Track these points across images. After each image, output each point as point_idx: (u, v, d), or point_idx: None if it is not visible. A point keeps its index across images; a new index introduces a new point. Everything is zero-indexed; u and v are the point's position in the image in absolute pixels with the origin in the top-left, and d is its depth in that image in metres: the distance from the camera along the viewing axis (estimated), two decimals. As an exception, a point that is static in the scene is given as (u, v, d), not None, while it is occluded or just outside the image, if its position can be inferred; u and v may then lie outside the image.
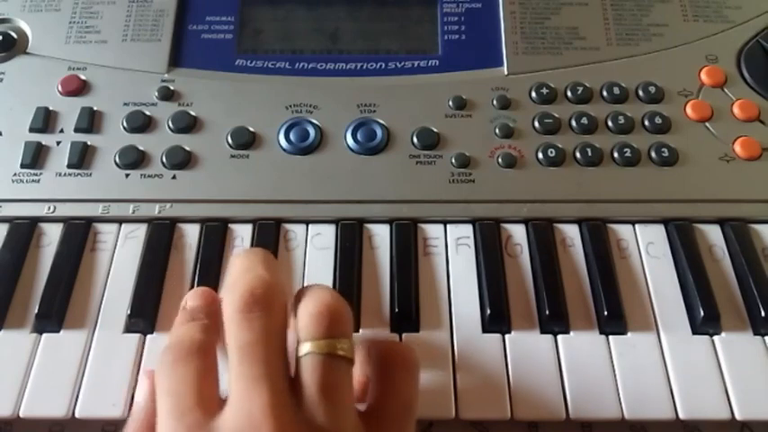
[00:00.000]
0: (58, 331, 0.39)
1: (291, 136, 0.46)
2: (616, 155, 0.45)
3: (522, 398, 0.36)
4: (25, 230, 0.42)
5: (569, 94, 0.48)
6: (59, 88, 0.48)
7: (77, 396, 0.36)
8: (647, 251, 0.42)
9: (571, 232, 0.43)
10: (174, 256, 0.42)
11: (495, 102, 0.47)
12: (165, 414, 0.29)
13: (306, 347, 0.30)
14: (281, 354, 0.30)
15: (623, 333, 0.39)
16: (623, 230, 0.43)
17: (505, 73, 0.49)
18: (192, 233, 0.43)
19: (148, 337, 0.38)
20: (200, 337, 0.31)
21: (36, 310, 0.39)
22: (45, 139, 0.46)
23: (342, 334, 0.31)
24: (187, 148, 0.45)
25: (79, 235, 0.42)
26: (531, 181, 0.44)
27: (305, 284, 0.40)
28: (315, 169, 0.45)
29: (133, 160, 0.45)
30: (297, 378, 0.30)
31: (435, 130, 0.46)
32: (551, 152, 0.45)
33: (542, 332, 0.39)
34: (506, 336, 0.38)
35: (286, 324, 0.31)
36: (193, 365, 0.30)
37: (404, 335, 0.38)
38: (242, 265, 0.32)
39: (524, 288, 0.41)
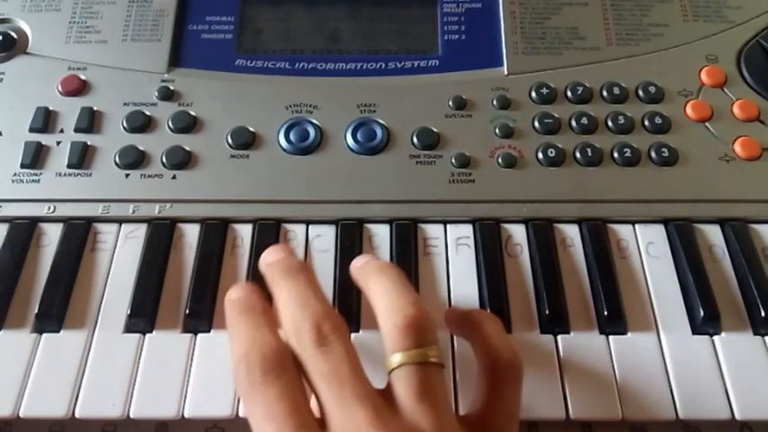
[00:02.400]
0: (58, 331, 0.39)
1: (291, 136, 0.46)
2: (616, 155, 0.45)
3: (523, 397, 0.36)
4: (25, 230, 0.42)
5: (569, 94, 0.48)
6: (59, 88, 0.48)
7: (77, 396, 0.36)
8: (647, 251, 0.42)
9: (571, 232, 0.43)
10: (173, 256, 0.42)
11: (495, 102, 0.47)
12: None
13: (397, 359, 0.30)
14: (361, 370, 0.30)
15: (623, 333, 0.39)
16: (623, 230, 0.43)
17: (505, 73, 0.49)
18: (191, 233, 0.43)
19: (148, 336, 0.38)
20: (276, 342, 0.31)
21: (36, 310, 0.39)
22: (45, 139, 0.46)
23: (430, 341, 0.31)
24: (187, 148, 0.45)
25: (79, 235, 0.42)
26: (531, 181, 0.44)
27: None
28: (315, 169, 0.45)
29: (133, 160, 0.45)
30: (391, 391, 0.30)
31: (435, 130, 0.46)
32: (551, 152, 0.45)
33: (542, 332, 0.39)
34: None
35: (350, 338, 0.32)
36: (285, 379, 0.30)
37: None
38: (295, 302, 0.32)
39: (524, 288, 0.41)
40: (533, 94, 0.48)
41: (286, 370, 0.30)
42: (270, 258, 0.36)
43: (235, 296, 0.34)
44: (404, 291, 0.33)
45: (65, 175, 0.44)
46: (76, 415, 0.36)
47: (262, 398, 0.29)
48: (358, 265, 0.36)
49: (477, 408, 0.33)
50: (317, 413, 0.30)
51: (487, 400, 0.32)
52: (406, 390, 0.30)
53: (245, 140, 0.45)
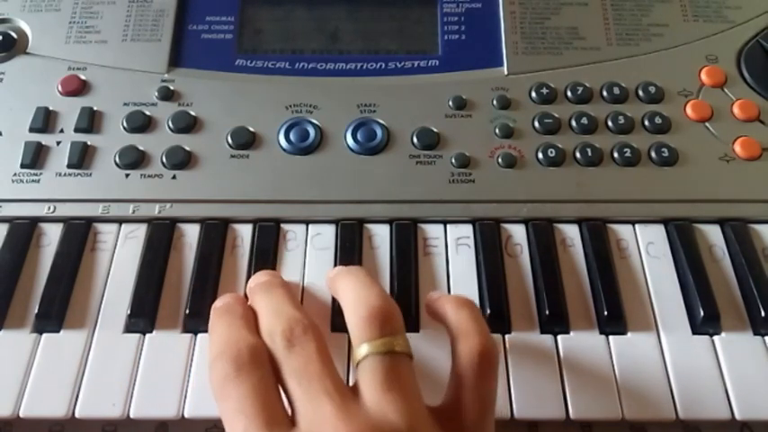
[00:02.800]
0: (58, 331, 0.39)
1: (291, 136, 0.46)
2: (616, 155, 0.45)
3: (522, 397, 0.36)
4: (25, 230, 0.42)
5: (569, 94, 0.48)
6: (59, 88, 0.48)
7: (77, 396, 0.36)
8: (647, 251, 0.42)
9: (571, 232, 0.43)
10: (173, 256, 0.42)
11: (495, 102, 0.47)
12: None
13: (363, 350, 0.31)
14: (331, 367, 0.31)
15: (623, 333, 0.39)
16: (623, 230, 0.43)
17: (505, 73, 0.49)
18: (191, 233, 0.43)
19: (148, 336, 0.38)
20: (253, 338, 0.32)
21: (36, 310, 0.39)
22: (45, 139, 0.46)
23: (396, 331, 0.31)
24: (187, 148, 0.45)
25: (79, 235, 0.42)
26: (531, 181, 0.44)
27: (305, 283, 0.40)
28: (315, 169, 0.45)
29: (133, 160, 0.45)
30: (358, 382, 0.30)
31: (435, 130, 0.46)
32: (551, 152, 0.45)
33: (542, 332, 0.39)
34: (506, 336, 0.38)
35: (326, 341, 0.32)
36: (259, 374, 0.30)
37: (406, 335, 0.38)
38: (271, 309, 0.34)
39: (524, 288, 0.41)
40: (533, 94, 0.48)
41: (260, 366, 0.31)
42: (253, 282, 0.38)
43: (218, 304, 0.36)
44: (368, 285, 0.34)
45: (65, 175, 0.44)
46: (76, 415, 0.36)
47: (235, 392, 0.30)
48: (330, 276, 0.38)
49: (450, 396, 0.32)
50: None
51: (459, 388, 0.32)
52: (371, 380, 0.30)
53: (245, 140, 0.45)
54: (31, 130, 0.46)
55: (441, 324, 0.36)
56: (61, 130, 0.46)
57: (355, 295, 0.33)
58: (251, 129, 0.46)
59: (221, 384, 0.30)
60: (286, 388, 0.31)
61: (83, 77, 0.48)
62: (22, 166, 0.44)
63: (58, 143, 0.45)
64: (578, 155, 0.45)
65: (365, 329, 0.31)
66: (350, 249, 0.41)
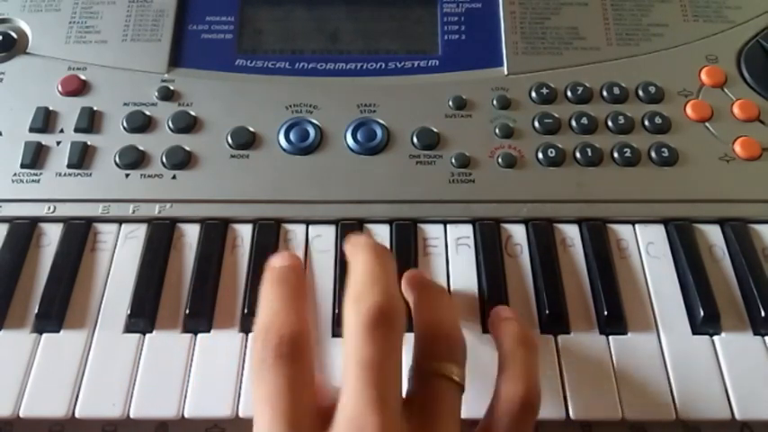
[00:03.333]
0: (58, 331, 0.39)
1: (291, 136, 0.46)
2: (616, 155, 0.45)
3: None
4: (25, 230, 0.42)
5: (569, 94, 0.48)
6: (59, 88, 0.48)
7: (77, 396, 0.36)
8: (647, 251, 0.42)
9: (571, 232, 0.43)
10: (173, 256, 0.42)
11: (495, 102, 0.47)
12: (266, 426, 0.28)
13: (426, 365, 0.31)
14: (398, 374, 0.30)
15: (623, 333, 0.39)
16: (623, 230, 0.43)
17: (505, 73, 0.49)
18: (191, 233, 0.43)
19: (148, 336, 0.38)
20: (297, 323, 0.31)
21: (36, 310, 0.39)
22: (45, 139, 0.46)
23: (457, 360, 0.32)
24: (187, 148, 0.45)
25: (79, 235, 0.42)
26: (531, 181, 0.44)
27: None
28: (315, 169, 0.45)
29: (133, 160, 0.45)
30: (409, 395, 0.30)
31: (435, 130, 0.46)
32: (551, 152, 0.45)
33: (542, 332, 0.39)
34: (506, 336, 0.38)
35: (402, 343, 0.31)
36: (297, 367, 0.29)
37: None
38: (367, 270, 0.32)
39: (524, 288, 0.41)
40: (533, 94, 0.48)
41: (299, 358, 0.30)
42: (361, 238, 0.36)
43: (276, 264, 0.35)
44: (451, 311, 0.34)
45: (65, 175, 0.44)
46: (76, 415, 0.36)
47: (268, 381, 0.29)
48: (411, 280, 0.37)
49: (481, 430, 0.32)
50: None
51: (493, 428, 0.32)
52: (423, 401, 0.30)
53: (245, 140, 0.45)
54: (31, 130, 0.46)
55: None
56: (61, 130, 0.46)
57: (437, 316, 0.33)
58: (251, 129, 0.46)
59: (257, 367, 0.30)
60: (346, 371, 0.29)
61: (83, 77, 0.48)
62: (22, 166, 0.44)
63: (58, 143, 0.45)
64: (578, 155, 0.45)
65: (435, 349, 0.32)
66: (350, 249, 0.42)
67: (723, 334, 0.39)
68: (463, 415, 0.33)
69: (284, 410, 0.28)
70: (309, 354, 0.31)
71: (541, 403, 0.36)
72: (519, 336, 0.35)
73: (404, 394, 0.31)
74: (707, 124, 0.47)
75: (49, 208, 0.43)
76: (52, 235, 0.42)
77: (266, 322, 0.31)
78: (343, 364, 0.30)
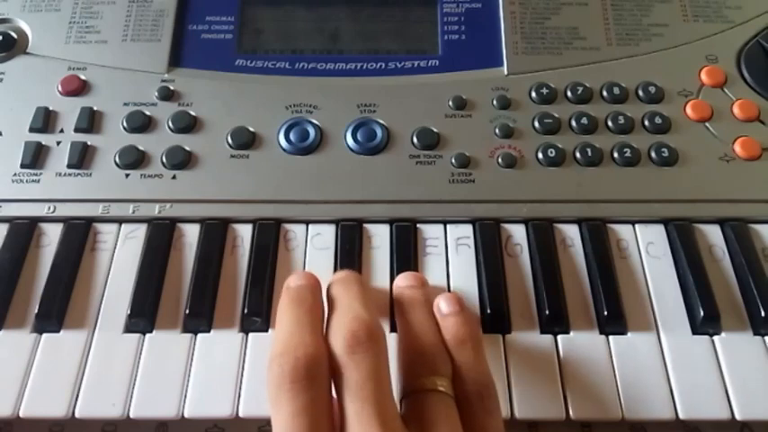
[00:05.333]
0: (58, 331, 0.39)
1: (291, 136, 0.46)
2: (616, 155, 0.45)
3: (522, 397, 0.36)
4: (25, 230, 0.42)
5: (569, 94, 0.48)
6: (59, 88, 0.48)
7: (77, 396, 0.36)
8: (647, 251, 0.42)
9: (571, 232, 0.43)
10: (173, 256, 0.42)
11: (495, 102, 0.47)
12: None
13: (411, 387, 0.32)
14: (387, 386, 0.31)
15: (623, 333, 0.39)
16: (623, 230, 0.43)
17: (505, 73, 0.49)
18: (191, 233, 0.43)
19: (148, 336, 0.38)
20: (313, 345, 0.31)
21: (36, 310, 0.39)
22: (45, 139, 0.46)
23: (439, 372, 0.32)
24: (187, 148, 0.45)
25: (79, 235, 0.42)
26: (531, 181, 0.44)
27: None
28: (315, 169, 0.45)
29: (133, 160, 0.45)
30: (406, 416, 0.31)
31: (435, 130, 0.46)
32: (551, 152, 0.45)
33: (542, 332, 0.39)
34: (506, 336, 0.38)
35: (387, 350, 0.32)
36: (312, 394, 0.30)
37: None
38: (342, 306, 0.34)
39: (524, 288, 0.41)
40: (533, 94, 0.48)
41: (315, 382, 0.30)
42: (334, 277, 0.37)
43: (293, 284, 0.35)
44: (428, 325, 0.35)
45: (65, 175, 0.44)
46: (76, 415, 0.36)
47: (286, 406, 0.29)
48: (398, 298, 0.37)
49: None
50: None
51: (474, 427, 0.32)
52: (421, 416, 0.31)
53: (245, 140, 0.45)
54: (31, 130, 0.46)
55: None
56: (61, 130, 0.46)
57: (412, 331, 0.34)
58: (251, 129, 0.46)
59: (275, 392, 0.30)
60: (340, 399, 0.31)
61: (83, 77, 0.48)
62: (22, 166, 0.44)
63: (58, 143, 0.45)
64: (578, 155, 0.45)
65: (416, 366, 0.32)
66: (350, 250, 0.42)
67: (723, 334, 0.39)
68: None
69: None
70: (326, 376, 0.31)
71: (541, 403, 0.36)
72: (456, 334, 0.35)
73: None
74: (707, 124, 0.47)
75: (49, 208, 0.43)
76: (52, 235, 0.42)
77: (281, 347, 0.31)
78: (336, 390, 0.31)
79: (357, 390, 0.30)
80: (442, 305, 0.36)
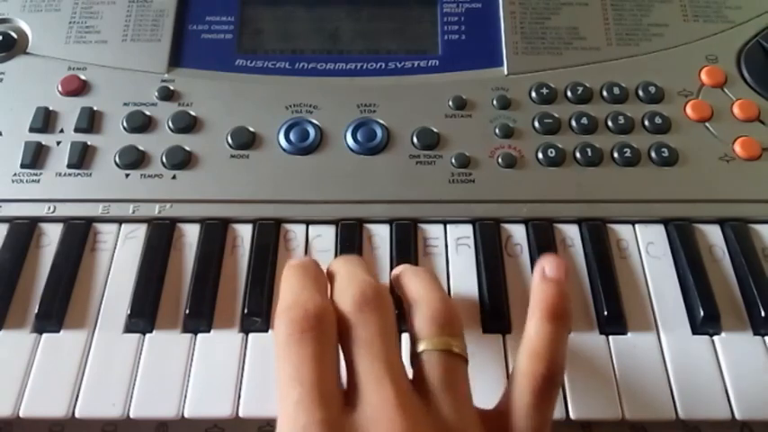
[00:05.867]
0: (58, 331, 0.39)
1: (291, 136, 0.46)
2: (616, 155, 0.45)
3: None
4: (25, 230, 0.42)
5: (569, 94, 0.48)
6: (59, 88, 0.48)
7: (77, 396, 0.36)
8: (647, 251, 0.42)
9: (571, 232, 0.43)
10: (173, 256, 0.42)
11: (495, 102, 0.47)
12: (293, 405, 0.28)
13: (422, 345, 0.31)
14: (396, 345, 0.31)
15: (623, 333, 0.39)
16: (623, 230, 0.43)
17: (505, 73, 0.49)
18: (191, 233, 0.43)
19: (148, 336, 0.38)
20: (322, 301, 0.31)
21: (36, 310, 0.39)
22: (45, 139, 0.46)
23: (456, 333, 0.32)
24: (187, 148, 0.45)
25: (79, 235, 0.42)
26: (531, 181, 0.44)
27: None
28: (315, 169, 0.45)
29: (133, 160, 0.45)
30: (416, 375, 0.31)
31: (435, 130, 0.46)
32: (551, 152, 0.45)
33: (542, 332, 0.39)
34: (506, 336, 0.38)
35: (393, 313, 0.32)
36: (322, 342, 0.30)
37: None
38: (342, 271, 0.34)
39: (524, 288, 0.40)
40: (533, 94, 0.48)
41: (325, 332, 0.30)
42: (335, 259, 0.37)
43: (294, 262, 0.35)
44: (434, 288, 0.34)
45: (65, 175, 0.44)
46: (76, 415, 0.36)
47: (295, 356, 0.29)
48: (396, 273, 0.37)
49: (503, 407, 0.32)
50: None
51: (515, 404, 0.31)
52: (431, 375, 0.30)
53: (245, 140, 0.45)
54: (31, 130, 0.46)
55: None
56: (61, 130, 0.46)
57: (421, 295, 0.33)
58: (251, 129, 0.46)
59: (283, 344, 0.30)
60: (348, 356, 0.30)
61: (83, 77, 0.48)
62: (22, 166, 0.44)
63: (58, 143, 0.45)
64: (578, 155, 0.45)
65: (428, 326, 0.32)
66: (350, 250, 0.41)
67: (723, 334, 0.39)
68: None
69: (314, 383, 0.28)
70: (334, 333, 0.31)
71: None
72: (551, 308, 0.32)
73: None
74: (707, 124, 0.47)
75: (49, 208, 0.43)
76: (52, 235, 0.42)
77: (288, 302, 0.31)
78: (344, 350, 0.31)
79: (368, 345, 0.30)
80: (547, 264, 0.34)
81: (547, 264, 0.34)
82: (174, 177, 0.44)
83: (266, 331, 0.39)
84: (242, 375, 0.37)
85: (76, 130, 0.46)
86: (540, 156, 0.45)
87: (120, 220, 0.43)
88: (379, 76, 0.49)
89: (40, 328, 0.39)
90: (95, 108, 0.47)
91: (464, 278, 0.41)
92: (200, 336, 0.38)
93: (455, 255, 0.42)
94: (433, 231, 0.43)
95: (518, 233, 0.43)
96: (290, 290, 0.32)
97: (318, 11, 0.52)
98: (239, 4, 0.52)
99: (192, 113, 0.47)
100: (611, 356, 0.38)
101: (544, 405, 0.31)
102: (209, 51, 0.50)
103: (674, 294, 0.40)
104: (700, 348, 0.38)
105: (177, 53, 0.50)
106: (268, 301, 0.40)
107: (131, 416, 0.36)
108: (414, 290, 0.34)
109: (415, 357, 0.31)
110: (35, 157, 0.45)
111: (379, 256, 0.42)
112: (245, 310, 0.39)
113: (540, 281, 0.34)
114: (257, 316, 0.39)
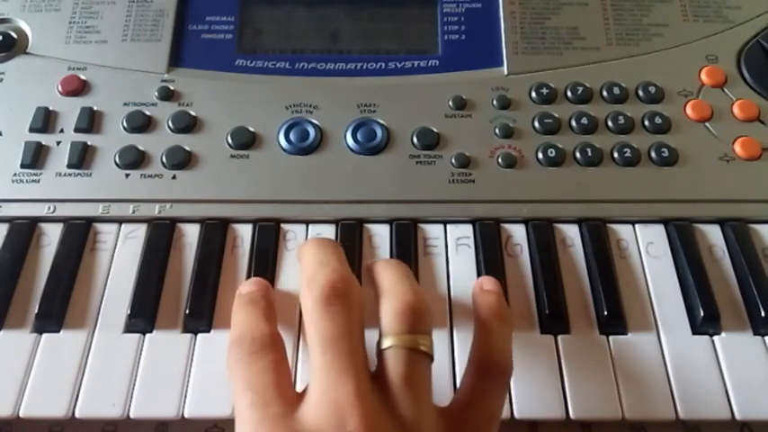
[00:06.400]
0: (58, 331, 0.39)
1: (291, 136, 0.46)
2: (616, 155, 0.45)
3: (522, 397, 0.36)
4: (25, 230, 0.42)
5: (569, 94, 0.48)
6: (59, 88, 0.48)
7: (77, 396, 0.36)
8: (647, 251, 0.42)
9: (571, 232, 0.43)
10: (173, 256, 0.42)
11: (495, 102, 0.47)
12: (246, 408, 0.30)
13: (388, 341, 0.31)
14: (361, 346, 0.31)
15: (623, 333, 0.39)
16: (623, 230, 0.43)
17: (505, 73, 0.49)
18: (191, 233, 0.43)
19: (148, 336, 0.38)
20: (268, 328, 0.33)
21: (36, 310, 0.39)
22: (45, 139, 0.46)
23: (423, 330, 0.32)
24: (187, 148, 0.45)
25: (79, 235, 0.42)
26: (531, 181, 0.44)
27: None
28: (315, 169, 0.45)
29: (133, 160, 0.45)
30: (379, 370, 0.31)
31: (435, 130, 0.46)
32: (551, 152, 0.45)
33: (542, 332, 0.39)
34: (506, 336, 0.38)
35: (363, 318, 0.32)
36: (269, 358, 0.31)
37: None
38: (316, 257, 0.34)
39: (524, 288, 0.41)
40: (533, 94, 0.48)
41: (271, 350, 0.31)
42: (300, 245, 0.39)
43: (244, 290, 0.37)
44: (406, 281, 0.34)
45: (65, 175, 0.44)
46: (76, 415, 0.36)
47: (244, 371, 0.31)
48: (368, 265, 0.37)
49: (459, 401, 0.33)
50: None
51: (470, 396, 0.32)
52: (392, 371, 0.30)
53: (245, 140, 0.45)
54: (31, 130, 0.46)
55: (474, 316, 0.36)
56: (61, 130, 0.46)
57: (393, 287, 0.33)
58: (251, 129, 0.46)
59: (233, 367, 0.31)
60: (314, 348, 0.31)
61: (83, 77, 0.48)
62: (22, 166, 0.44)
63: (58, 143, 0.45)
64: (578, 155, 0.45)
65: (396, 322, 0.32)
66: (350, 249, 0.41)
67: (723, 334, 0.39)
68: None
69: (264, 388, 0.30)
70: (281, 347, 0.32)
71: (541, 402, 0.36)
72: (496, 309, 0.35)
73: (373, 370, 0.32)
74: (707, 124, 0.47)
75: (49, 208, 0.43)
76: (52, 235, 0.42)
77: (236, 334, 0.33)
78: (309, 344, 0.31)
79: (330, 342, 0.30)
80: (485, 282, 0.38)
81: (485, 280, 0.38)
82: (174, 177, 0.44)
83: (266, 331, 0.39)
84: (242, 375, 0.37)
85: (76, 130, 0.46)
86: (540, 156, 0.45)
87: (120, 220, 0.43)
88: (379, 76, 0.49)
89: (40, 328, 0.39)
90: (95, 108, 0.47)
91: (464, 278, 0.41)
92: (200, 336, 0.38)
93: (455, 255, 0.42)
94: (433, 231, 0.43)
95: (518, 233, 0.43)
96: (237, 325, 0.34)
97: (318, 11, 0.52)
98: (239, 4, 0.52)
99: (192, 113, 0.47)
100: (611, 356, 0.38)
101: (497, 394, 0.33)
102: (209, 51, 0.50)
103: (674, 294, 0.40)
104: (700, 348, 0.38)
105: (177, 53, 0.50)
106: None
107: (131, 416, 0.36)
108: (385, 281, 0.34)
109: (381, 352, 0.31)
110: (35, 157, 0.45)
111: (379, 256, 0.42)
112: (245, 310, 0.39)
113: (480, 293, 0.37)
114: (257, 316, 0.39)
